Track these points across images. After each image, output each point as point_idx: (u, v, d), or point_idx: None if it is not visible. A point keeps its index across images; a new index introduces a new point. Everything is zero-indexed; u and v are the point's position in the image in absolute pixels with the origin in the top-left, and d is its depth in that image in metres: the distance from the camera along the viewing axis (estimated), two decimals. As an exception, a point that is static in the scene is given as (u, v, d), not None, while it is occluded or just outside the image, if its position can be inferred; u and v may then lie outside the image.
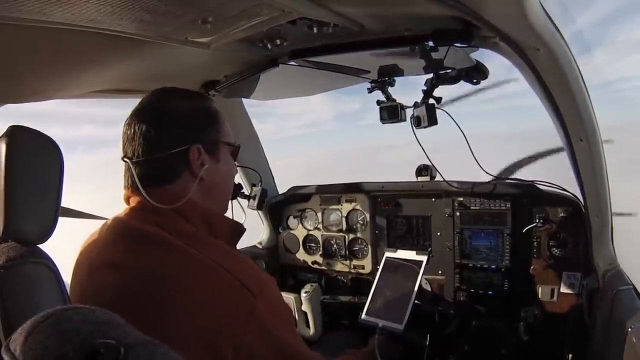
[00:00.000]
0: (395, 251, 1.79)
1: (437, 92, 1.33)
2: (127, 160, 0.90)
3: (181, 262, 0.79)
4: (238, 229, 1.01)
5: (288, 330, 0.88)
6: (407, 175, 2.01)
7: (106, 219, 0.95)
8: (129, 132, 0.90)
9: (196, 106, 0.95)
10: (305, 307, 1.84)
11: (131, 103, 0.95)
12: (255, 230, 2.40)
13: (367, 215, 2.11)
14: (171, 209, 0.87)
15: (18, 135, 0.77)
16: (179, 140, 0.89)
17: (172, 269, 0.78)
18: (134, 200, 0.91)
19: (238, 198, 1.74)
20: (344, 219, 2.17)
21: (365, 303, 1.65)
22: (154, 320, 0.67)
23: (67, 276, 0.90)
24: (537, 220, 1.69)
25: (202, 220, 0.91)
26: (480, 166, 1.67)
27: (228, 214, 1.11)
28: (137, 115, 0.91)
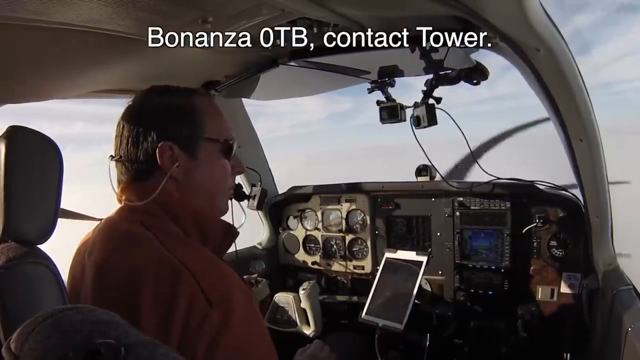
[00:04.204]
0: (395, 252, 1.79)
1: (436, 92, 1.33)
2: (109, 159, 0.92)
3: (151, 261, 0.77)
4: (230, 232, 0.97)
5: (248, 352, 0.78)
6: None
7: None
8: (115, 132, 0.92)
9: (172, 102, 0.91)
10: (304, 304, 1.84)
11: (122, 101, 0.94)
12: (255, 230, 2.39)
13: (367, 216, 2.11)
14: (161, 209, 0.86)
15: (17, 135, 0.76)
16: (149, 138, 0.87)
17: (143, 269, 0.76)
18: (122, 200, 0.91)
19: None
20: (343, 219, 2.17)
21: (365, 303, 1.65)
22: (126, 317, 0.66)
23: (66, 276, 0.91)
24: (537, 221, 1.69)
25: (191, 221, 0.88)
26: (480, 166, 1.67)
27: (228, 214, 1.09)
28: (121, 115, 0.92)
